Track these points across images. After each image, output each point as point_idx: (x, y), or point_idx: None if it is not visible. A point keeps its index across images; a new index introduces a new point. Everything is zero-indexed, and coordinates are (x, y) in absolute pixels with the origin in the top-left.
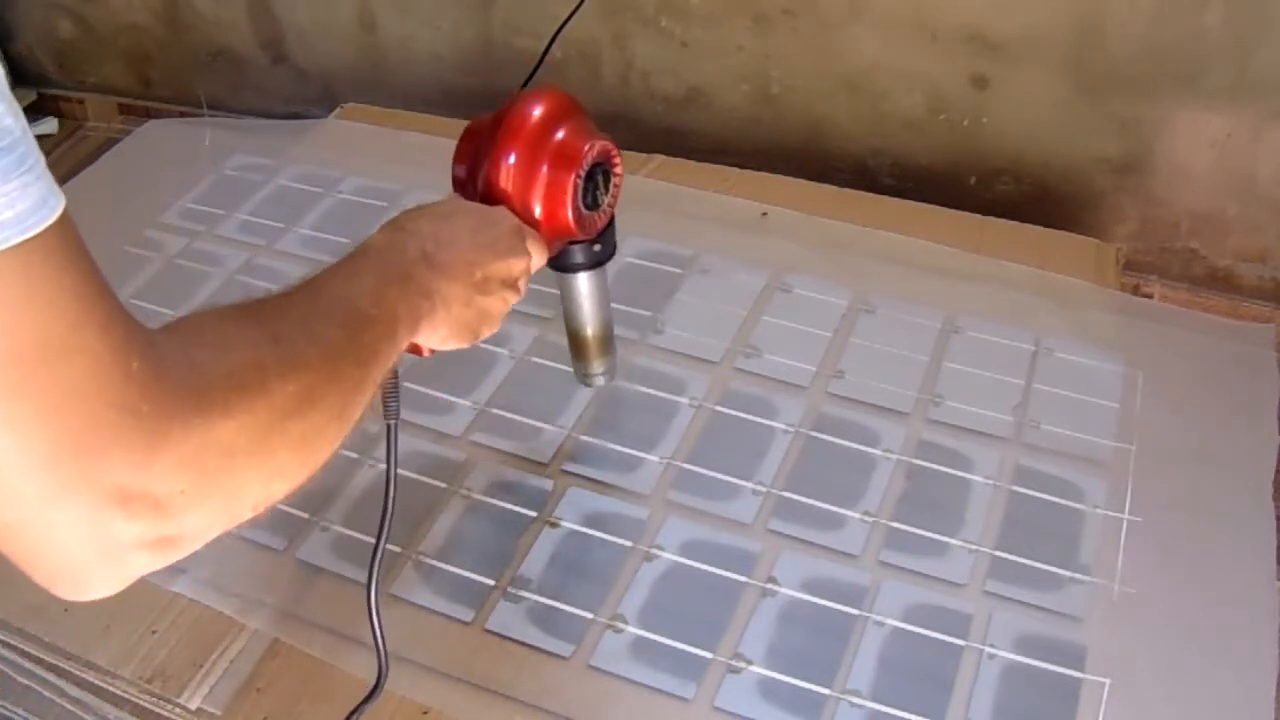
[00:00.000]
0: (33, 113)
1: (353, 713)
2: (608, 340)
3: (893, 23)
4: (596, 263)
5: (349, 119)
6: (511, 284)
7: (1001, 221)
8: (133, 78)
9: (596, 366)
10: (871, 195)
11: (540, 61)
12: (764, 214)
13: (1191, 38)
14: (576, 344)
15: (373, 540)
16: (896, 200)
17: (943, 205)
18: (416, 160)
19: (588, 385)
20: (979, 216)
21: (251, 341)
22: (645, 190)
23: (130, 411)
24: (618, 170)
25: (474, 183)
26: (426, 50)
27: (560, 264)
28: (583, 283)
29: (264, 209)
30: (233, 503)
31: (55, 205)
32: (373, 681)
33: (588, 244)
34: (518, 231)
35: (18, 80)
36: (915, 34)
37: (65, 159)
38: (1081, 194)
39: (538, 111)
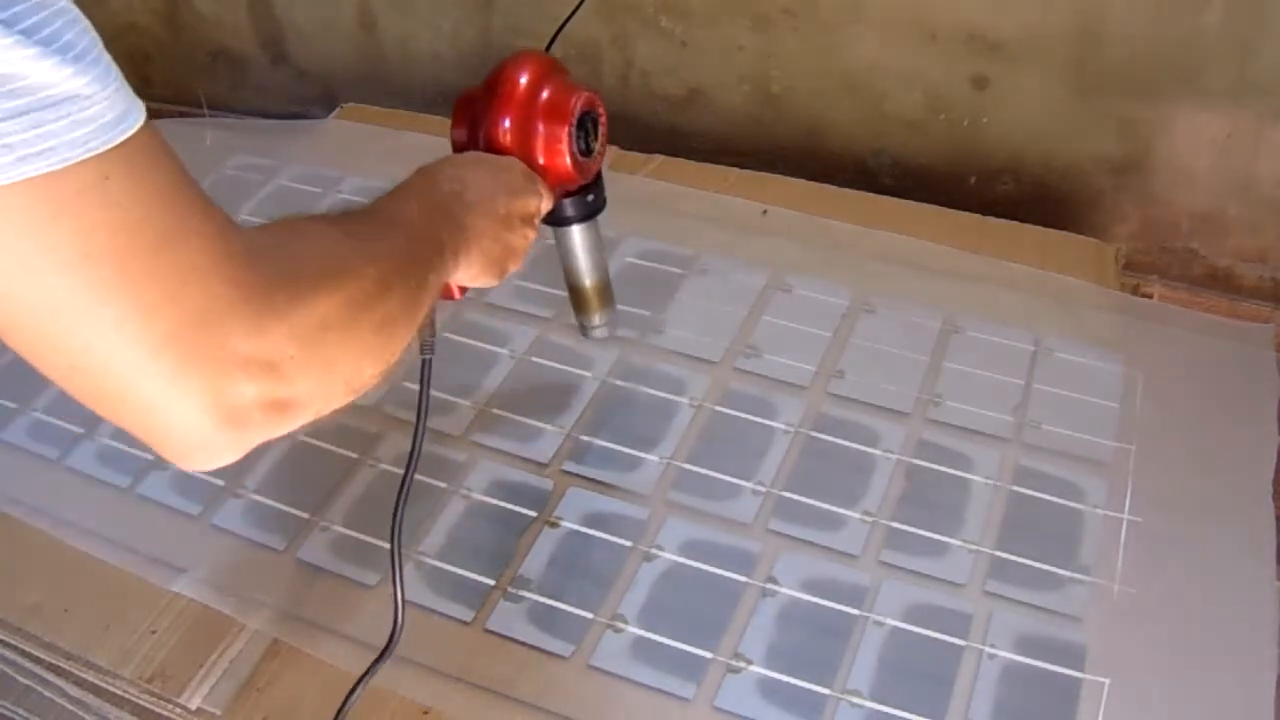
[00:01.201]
0: None
1: (372, 665)
2: (606, 291)
3: (893, 23)
4: (589, 214)
5: (349, 119)
6: (530, 220)
7: (1001, 221)
8: (133, 78)
9: (597, 319)
10: (871, 195)
11: None
12: (764, 212)
13: (1191, 38)
14: (577, 296)
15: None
16: (896, 200)
17: (943, 205)
18: (416, 160)
19: (590, 337)
20: (979, 216)
21: (331, 236)
22: (645, 190)
23: (240, 285)
24: (603, 118)
25: (475, 144)
26: (426, 50)
27: (556, 218)
28: (577, 235)
29: (264, 209)
30: (331, 376)
31: (140, 108)
32: (381, 655)
33: (580, 195)
34: (529, 174)
35: None
36: (915, 34)
37: None
38: (1081, 194)
39: (524, 75)
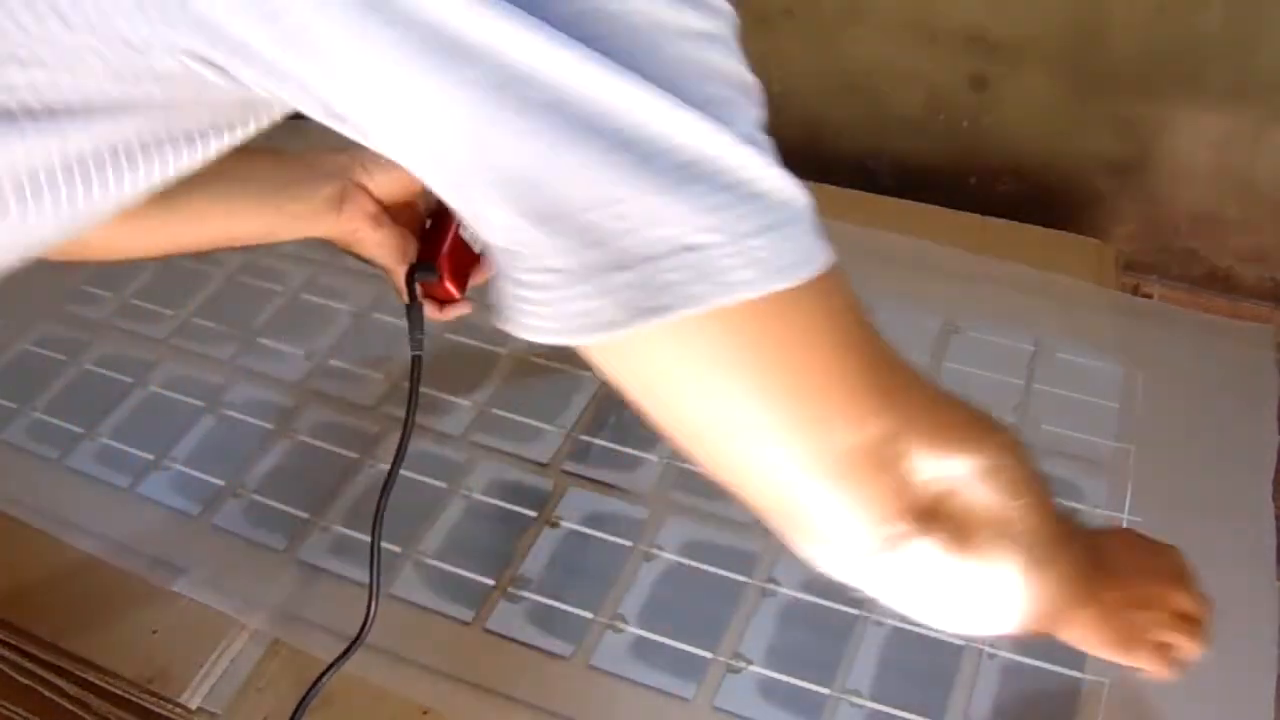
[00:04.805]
0: None
1: (341, 655)
2: None
3: (893, 23)
4: None
5: None
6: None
7: (1002, 221)
8: None
9: None
10: (871, 195)
11: None
12: None
13: (1191, 38)
14: None
15: (372, 540)
16: (896, 200)
17: (943, 205)
18: None
19: None
20: (979, 216)
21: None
22: None
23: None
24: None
25: None
26: None
27: None
28: None
29: None
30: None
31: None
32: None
33: None
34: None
35: None
36: (915, 34)
37: None
38: (1081, 194)
39: None
